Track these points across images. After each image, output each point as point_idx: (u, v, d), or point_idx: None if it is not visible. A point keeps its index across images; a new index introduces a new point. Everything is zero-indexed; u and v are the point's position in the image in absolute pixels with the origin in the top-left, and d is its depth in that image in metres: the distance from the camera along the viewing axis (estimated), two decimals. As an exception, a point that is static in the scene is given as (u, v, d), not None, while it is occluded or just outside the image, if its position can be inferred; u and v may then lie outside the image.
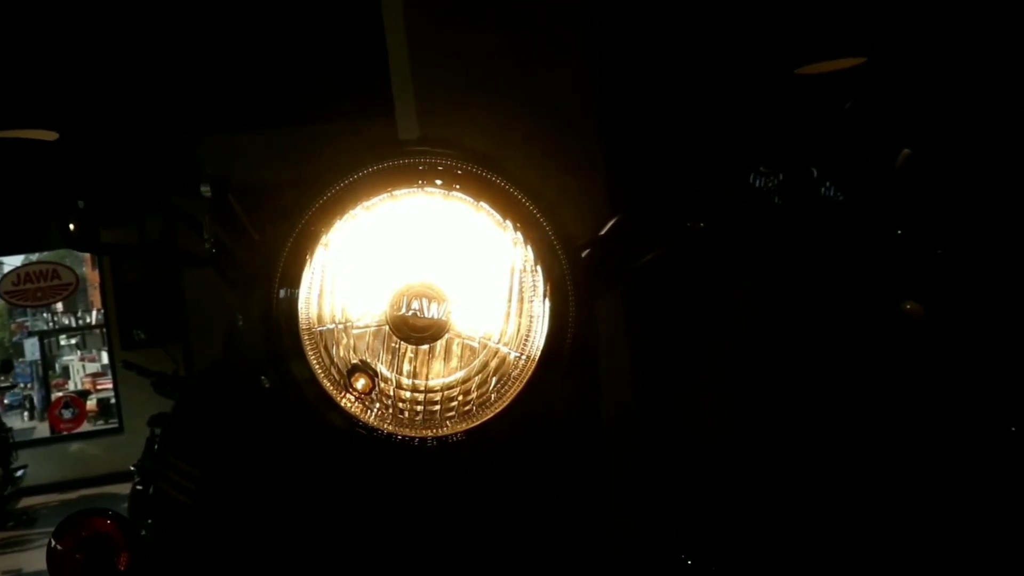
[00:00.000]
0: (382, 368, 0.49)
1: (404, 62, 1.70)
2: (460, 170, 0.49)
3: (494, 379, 0.49)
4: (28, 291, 7.41)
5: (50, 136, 4.22)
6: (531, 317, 0.49)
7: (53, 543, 0.53)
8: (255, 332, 0.49)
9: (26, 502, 6.68)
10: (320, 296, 0.49)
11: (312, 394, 0.48)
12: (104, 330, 8.29)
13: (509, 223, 0.49)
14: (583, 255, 0.63)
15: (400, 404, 0.48)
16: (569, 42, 1.89)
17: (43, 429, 8.06)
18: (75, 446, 7.44)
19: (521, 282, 0.50)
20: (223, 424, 0.57)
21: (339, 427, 0.47)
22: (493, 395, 0.48)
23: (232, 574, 0.52)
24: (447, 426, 0.47)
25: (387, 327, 0.50)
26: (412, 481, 0.48)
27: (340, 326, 0.50)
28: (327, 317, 0.49)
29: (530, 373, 0.48)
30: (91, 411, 7.95)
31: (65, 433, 7.58)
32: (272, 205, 0.63)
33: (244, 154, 3.77)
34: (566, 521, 0.51)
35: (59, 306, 8.71)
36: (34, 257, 7.77)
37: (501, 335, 0.50)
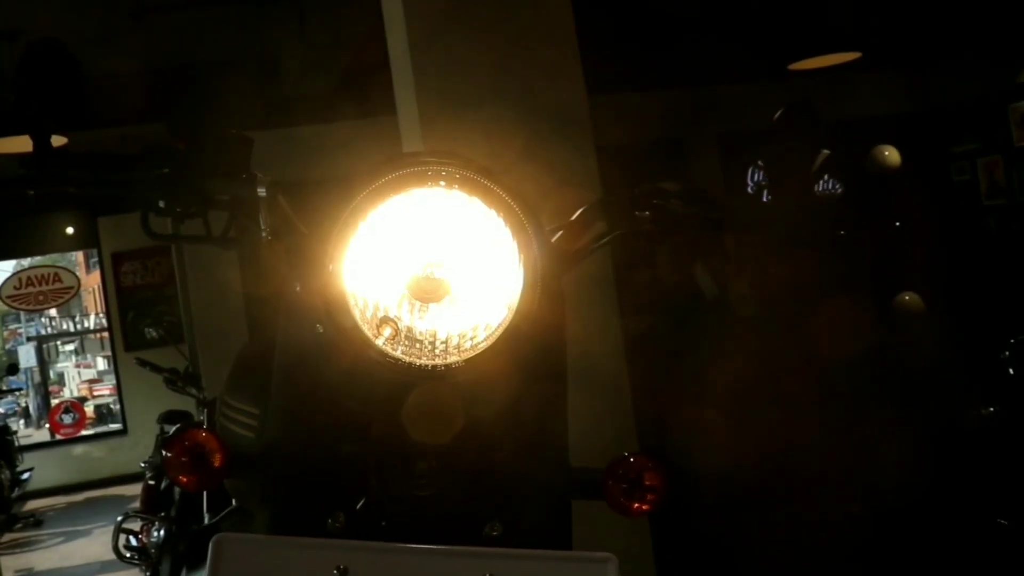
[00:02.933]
0: (404, 318, 0.68)
1: (408, 75, 1.88)
2: (458, 174, 0.68)
3: (483, 325, 0.68)
4: (30, 295, 7.48)
5: (60, 141, 4.37)
6: (510, 281, 0.69)
7: (165, 452, 0.72)
8: (312, 294, 0.68)
9: (33, 505, 6.80)
10: (358, 268, 0.69)
11: (355, 337, 0.67)
12: (102, 335, 8.40)
13: (493, 212, 0.68)
14: (555, 237, 0.83)
15: (417, 343, 0.68)
16: (565, 55, 2.08)
17: (39, 437, 8.11)
18: (80, 449, 7.52)
19: (503, 256, 0.69)
20: (280, 368, 0.76)
21: (375, 359, 0.66)
22: (482, 335, 0.68)
23: (293, 482, 0.72)
24: (450, 357, 0.67)
25: (406, 289, 0.69)
26: (427, 395, 0.67)
27: (373, 289, 0.69)
28: (364, 283, 0.69)
29: (508, 321, 0.68)
30: (89, 418, 8.04)
31: (65, 438, 7.66)
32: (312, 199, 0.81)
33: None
34: (535, 424, 0.71)
35: (54, 311, 8.75)
36: (26, 262, 7.83)
37: (488, 294, 0.69)
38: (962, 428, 2.55)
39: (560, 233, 0.83)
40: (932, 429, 2.89)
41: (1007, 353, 2.44)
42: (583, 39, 2.29)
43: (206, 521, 2.27)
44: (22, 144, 4.28)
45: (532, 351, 0.68)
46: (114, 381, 7.77)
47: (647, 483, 0.71)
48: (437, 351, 0.67)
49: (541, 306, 0.68)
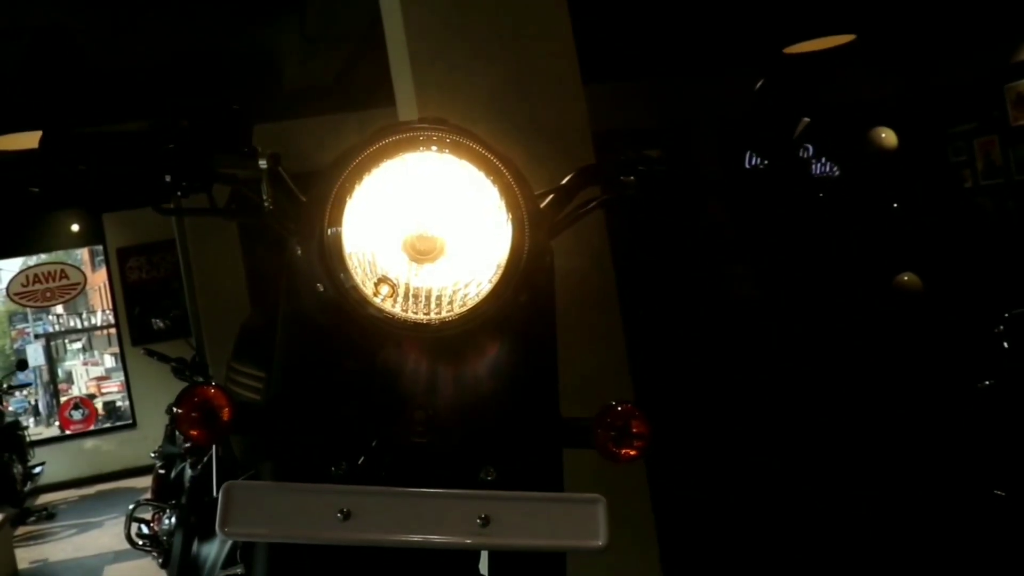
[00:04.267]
0: (400, 278, 0.72)
1: (405, 66, 1.92)
2: (448, 139, 0.72)
3: (474, 282, 0.72)
4: (37, 292, 7.56)
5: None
6: (499, 240, 0.72)
7: (175, 409, 0.76)
8: (313, 257, 0.72)
9: (46, 498, 6.88)
10: (356, 230, 0.72)
11: (355, 296, 0.70)
12: (108, 331, 8.47)
13: (482, 174, 0.72)
14: (545, 201, 0.87)
15: (413, 299, 0.71)
16: (564, 66, 2.14)
17: (50, 434, 8.18)
18: (90, 443, 7.60)
19: (492, 217, 0.73)
20: (284, 326, 0.80)
21: (374, 315, 0.70)
22: (473, 291, 0.71)
23: (297, 434, 0.75)
24: (443, 312, 0.71)
25: (402, 250, 0.73)
26: (423, 348, 0.71)
27: (370, 250, 0.72)
28: (362, 244, 0.72)
29: (497, 279, 0.71)
30: (99, 415, 8.11)
31: (76, 433, 7.73)
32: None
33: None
34: (525, 375, 0.75)
35: (60, 309, 8.81)
36: (32, 261, 7.90)
37: (478, 253, 0.73)
38: (960, 401, 2.60)
39: (551, 197, 0.87)
40: (931, 402, 2.94)
41: (1002, 327, 2.49)
42: (579, 32, 2.33)
43: (215, 494, 2.33)
44: (27, 141, 4.35)
45: (520, 306, 0.72)
46: (122, 377, 7.85)
47: (634, 430, 0.75)
48: (432, 307, 0.71)
49: (528, 264, 0.71)
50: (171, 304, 6.97)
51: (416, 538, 0.68)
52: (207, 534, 1.91)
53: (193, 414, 0.73)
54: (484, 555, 0.75)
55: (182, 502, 3.06)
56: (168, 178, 0.89)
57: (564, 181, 0.88)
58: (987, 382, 2.48)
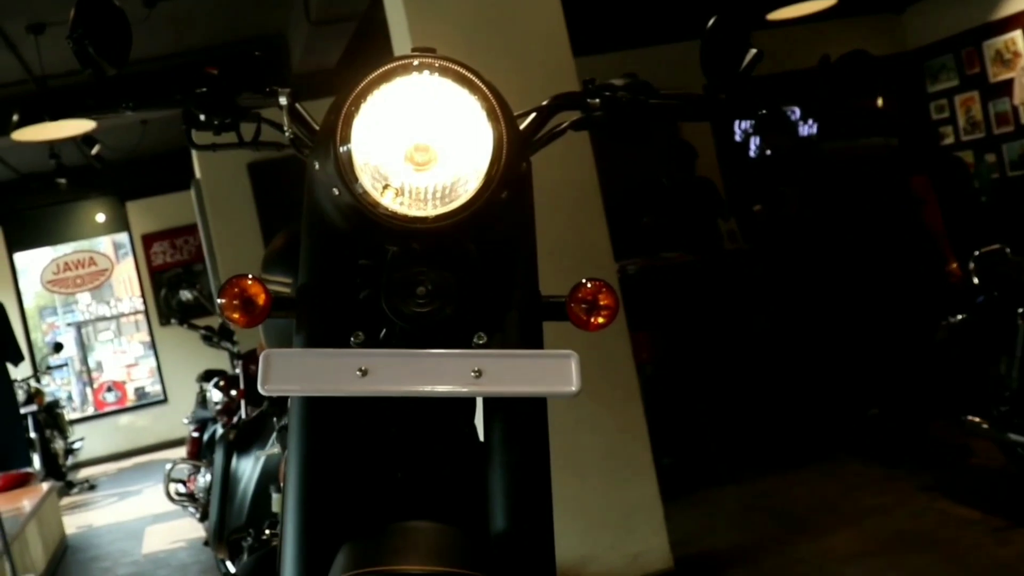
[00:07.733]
0: (405, 183, 0.87)
1: (401, 16, 2.08)
2: (438, 63, 0.86)
3: (463, 182, 0.86)
4: (68, 279, 7.86)
5: (88, 127, 4.61)
6: (482, 149, 0.87)
7: (219, 299, 0.91)
8: (329, 170, 0.87)
9: (86, 472, 7.20)
10: (364, 145, 0.87)
11: (366, 199, 0.85)
12: (136, 316, 8.75)
13: (466, 91, 0.86)
14: (526, 121, 1.01)
15: (414, 198, 0.86)
16: (559, 60, 2.30)
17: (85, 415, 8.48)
18: (125, 419, 7.91)
19: (476, 130, 0.87)
20: (308, 234, 0.95)
21: (382, 213, 0.85)
22: (461, 191, 0.86)
23: (323, 312, 0.90)
24: (439, 208, 0.85)
25: (404, 159, 0.87)
26: (424, 237, 0.86)
27: (377, 161, 0.87)
28: (369, 156, 0.87)
29: (482, 179, 0.86)
30: (129, 400, 8.38)
31: (111, 410, 8.03)
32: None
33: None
34: (506, 259, 0.90)
35: (88, 298, 9.08)
36: (58, 253, 8.14)
37: (466, 160, 0.87)
38: (934, 336, 2.75)
39: (531, 117, 1.01)
40: (910, 338, 3.09)
41: (972, 265, 2.61)
42: (567, 7, 2.46)
43: (243, 416, 2.56)
44: (55, 129, 4.53)
45: (503, 202, 0.87)
46: (150, 364, 8.14)
47: (602, 303, 0.89)
48: (430, 204, 0.86)
49: (507, 167, 0.86)
50: (196, 282, 7.22)
51: (422, 388, 0.83)
52: (244, 448, 2.11)
53: (235, 302, 0.89)
54: (479, 405, 0.90)
55: (214, 459, 3.27)
56: (202, 117, 1.05)
57: (542, 104, 1.02)
58: (959, 316, 2.61)
